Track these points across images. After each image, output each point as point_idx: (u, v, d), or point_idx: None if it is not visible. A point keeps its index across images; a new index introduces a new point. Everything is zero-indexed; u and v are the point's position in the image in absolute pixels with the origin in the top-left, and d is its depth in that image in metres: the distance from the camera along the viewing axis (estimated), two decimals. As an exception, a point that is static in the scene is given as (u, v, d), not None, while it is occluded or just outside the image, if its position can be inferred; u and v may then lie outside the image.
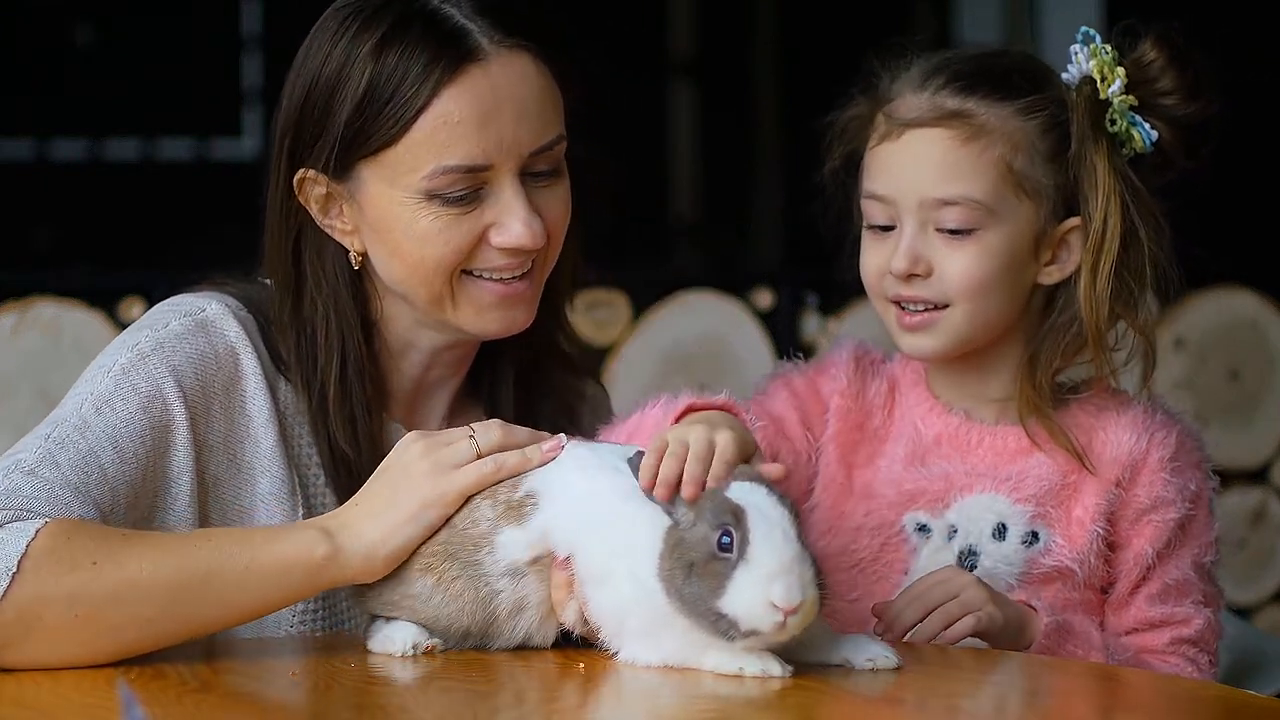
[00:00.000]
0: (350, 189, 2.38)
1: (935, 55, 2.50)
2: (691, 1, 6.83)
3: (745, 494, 2.04)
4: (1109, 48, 2.47)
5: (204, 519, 2.36)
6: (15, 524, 2.14)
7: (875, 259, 2.47)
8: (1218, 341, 4.57)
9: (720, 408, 2.26)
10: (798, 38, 6.70)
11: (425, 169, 2.33)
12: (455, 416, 2.54)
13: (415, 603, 2.18)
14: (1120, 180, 2.44)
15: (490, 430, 2.21)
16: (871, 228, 2.48)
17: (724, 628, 2.00)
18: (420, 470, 2.18)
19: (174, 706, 1.96)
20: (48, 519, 2.16)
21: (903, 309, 2.46)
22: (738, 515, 2.01)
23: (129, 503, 2.27)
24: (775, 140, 6.67)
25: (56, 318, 3.99)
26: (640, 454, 2.11)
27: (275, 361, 2.43)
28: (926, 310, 2.44)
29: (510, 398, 2.55)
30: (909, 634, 2.32)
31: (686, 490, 2.06)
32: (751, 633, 2.00)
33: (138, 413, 2.31)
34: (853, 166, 2.53)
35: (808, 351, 4.51)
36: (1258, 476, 4.73)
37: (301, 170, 2.39)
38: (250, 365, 2.40)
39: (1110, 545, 2.48)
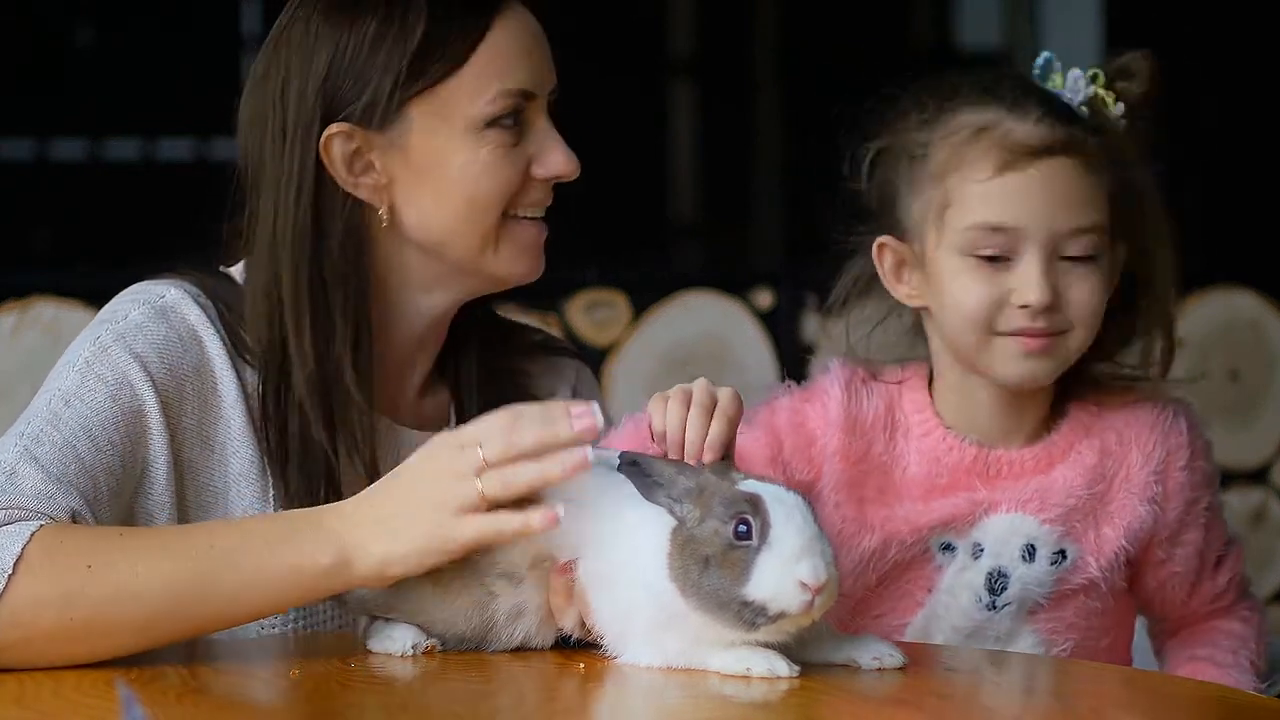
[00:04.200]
0: (392, 136, 2.38)
1: (1003, 81, 2.48)
2: (691, 1, 6.83)
3: (756, 485, 2.05)
4: (1098, 72, 2.49)
5: (180, 502, 2.35)
6: (8, 526, 2.13)
7: (987, 291, 2.42)
8: (1218, 341, 4.57)
9: None
10: (798, 38, 6.70)
11: (488, 93, 2.36)
12: (424, 397, 2.53)
13: (412, 606, 2.18)
14: (1154, 201, 2.50)
15: (495, 443, 2.12)
16: (976, 257, 2.43)
17: (749, 615, 2.00)
18: (428, 503, 2.12)
19: (174, 707, 1.96)
20: (39, 517, 2.16)
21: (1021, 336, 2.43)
22: (754, 503, 2.01)
23: (111, 491, 2.27)
24: (775, 140, 6.67)
25: (56, 318, 3.99)
26: (628, 453, 2.10)
27: (239, 349, 2.41)
28: (1049, 335, 2.43)
29: (473, 380, 2.55)
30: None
31: (692, 450, 2.11)
32: (780, 615, 1.99)
33: (107, 401, 2.30)
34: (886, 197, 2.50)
35: (807, 352, 4.51)
36: (1258, 476, 4.73)
37: (333, 126, 2.37)
38: (215, 348, 2.39)
39: (1130, 562, 2.50)
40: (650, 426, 2.17)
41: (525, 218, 2.43)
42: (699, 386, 2.17)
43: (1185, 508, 2.51)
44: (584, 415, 2.10)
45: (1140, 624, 2.63)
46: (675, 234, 6.90)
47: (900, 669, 2.09)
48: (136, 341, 2.34)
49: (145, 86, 6.01)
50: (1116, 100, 2.49)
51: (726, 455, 2.15)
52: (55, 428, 2.26)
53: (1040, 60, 2.51)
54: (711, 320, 4.48)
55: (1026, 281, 2.40)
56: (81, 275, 4.13)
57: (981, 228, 2.42)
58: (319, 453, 2.39)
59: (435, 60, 2.36)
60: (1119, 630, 2.54)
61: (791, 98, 6.69)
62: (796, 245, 6.30)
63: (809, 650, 2.07)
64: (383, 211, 2.40)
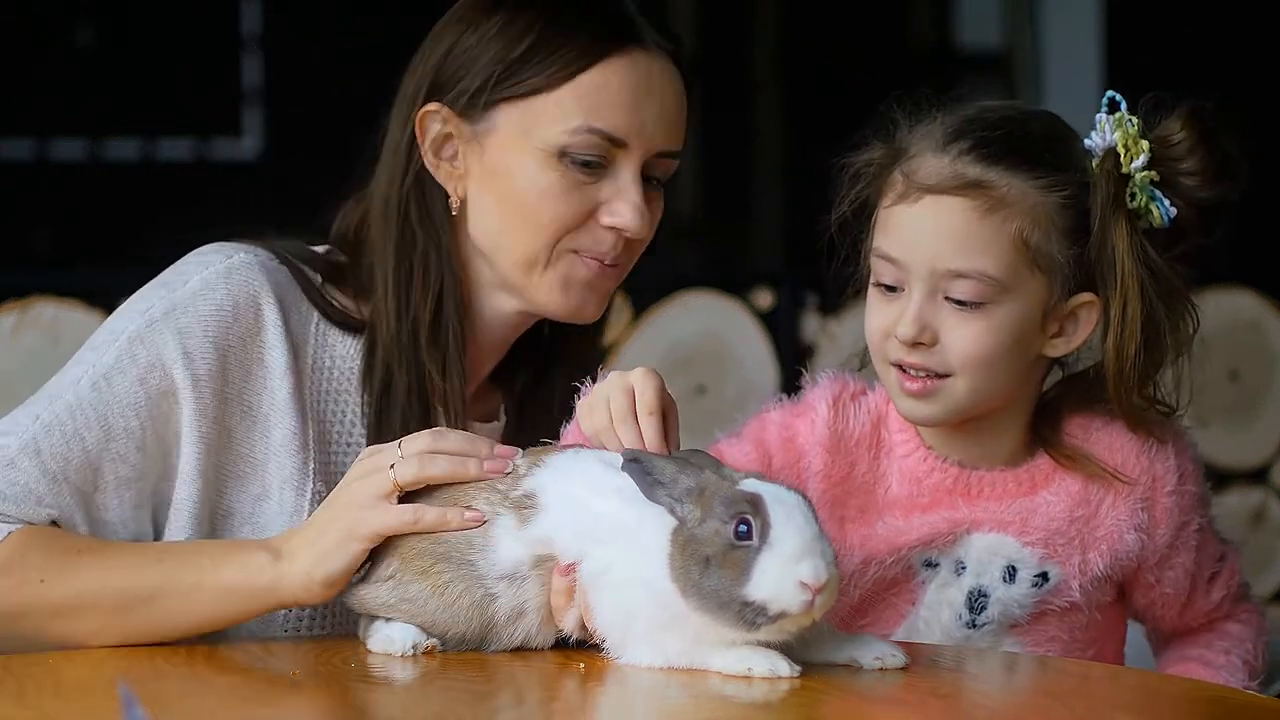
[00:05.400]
0: (478, 130, 2.44)
1: (959, 113, 2.42)
2: (691, 1, 6.83)
3: (756, 484, 2.05)
4: (1135, 119, 2.40)
5: (218, 473, 2.38)
6: None
7: (880, 320, 2.41)
8: (1218, 341, 4.56)
9: None
10: (798, 38, 6.70)
11: (572, 124, 2.40)
12: (475, 402, 2.56)
13: (412, 607, 2.18)
14: (1139, 264, 2.38)
15: (416, 442, 2.19)
16: (878, 285, 2.42)
17: (750, 615, 2.00)
18: (348, 498, 2.20)
19: (174, 706, 1.96)
20: (15, 522, 2.22)
21: (904, 372, 2.40)
22: (755, 503, 2.02)
23: (118, 477, 2.30)
24: (775, 140, 6.67)
25: (56, 318, 3.99)
26: (630, 451, 2.10)
27: (329, 316, 2.46)
28: (928, 377, 2.39)
29: (529, 394, 2.59)
30: None
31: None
32: (781, 615, 2.00)
33: (134, 386, 2.33)
34: (862, 210, 2.47)
35: (807, 352, 4.51)
36: (1258, 476, 4.73)
37: (431, 104, 2.44)
38: (271, 316, 2.41)
39: (1116, 583, 2.49)
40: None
41: (587, 255, 2.45)
42: (615, 389, 2.20)
43: (1174, 533, 2.48)
44: (503, 449, 2.18)
45: (1137, 624, 2.63)
46: (675, 234, 6.90)
47: (901, 669, 2.09)
48: (186, 313, 2.37)
49: (145, 86, 6.02)
50: (1145, 152, 2.39)
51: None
52: (72, 416, 2.30)
53: (1106, 98, 2.42)
54: (711, 320, 4.48)
55: (900, 314, 2.38)
56: (81, 275, 4.12)
57: (876, 255, 2.42)
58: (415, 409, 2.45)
59: (530, 75, 2.41)
60: (1105, 641, 2.52)
61: (791, 98, 6.68)
62: (796, 245, 6.30)
63: (810, 650, 2.07)
64: (454, 200, 2.46)
